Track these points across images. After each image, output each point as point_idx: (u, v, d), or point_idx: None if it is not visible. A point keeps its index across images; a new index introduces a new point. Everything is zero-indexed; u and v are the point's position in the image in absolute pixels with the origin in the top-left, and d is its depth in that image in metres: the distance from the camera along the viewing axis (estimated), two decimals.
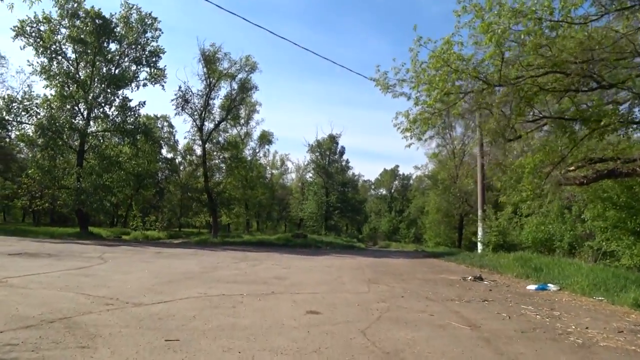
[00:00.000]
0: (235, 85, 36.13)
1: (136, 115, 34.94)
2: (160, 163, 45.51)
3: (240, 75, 36.09)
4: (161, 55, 35.04)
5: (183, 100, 34.78)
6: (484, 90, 10.62)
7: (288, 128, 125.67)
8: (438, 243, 41.33)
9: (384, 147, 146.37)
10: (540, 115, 11.52)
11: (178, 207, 48.94)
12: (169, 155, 48.97)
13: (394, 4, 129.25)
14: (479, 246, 23.74)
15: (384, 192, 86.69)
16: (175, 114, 35.57)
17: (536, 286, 11.90)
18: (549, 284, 12.04)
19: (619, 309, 9.29)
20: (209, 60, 34.56)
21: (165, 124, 50.08)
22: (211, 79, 35.13)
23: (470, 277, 13.49)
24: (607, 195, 15.71)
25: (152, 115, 49.94)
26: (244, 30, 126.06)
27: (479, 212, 24.50)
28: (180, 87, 34.95)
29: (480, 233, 23.89)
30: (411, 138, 11.87)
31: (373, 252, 28.93)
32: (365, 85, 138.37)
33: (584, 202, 19.25)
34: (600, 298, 10.25)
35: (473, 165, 38.53)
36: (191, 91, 35.18)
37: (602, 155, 14.62)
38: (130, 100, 34.59)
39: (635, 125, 11.36)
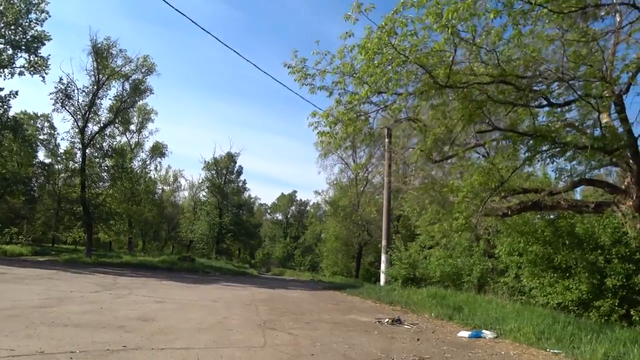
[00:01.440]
0: (127, 86, 31.78)
1: (5, 107, 29.24)
2: (34, 168, 39.29)
3: (135, 76, 31.91)
4: (45, 42, 29.80)
5: (64, 95, 29.78)
6: (426, 92, 8.32)
7: (187, 145, 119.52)
8: (335, 272, 39.02)
9: (283, 172, 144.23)
10: (492, 127, 9.45)
11: (53, 219, 42.50)
12: (47, 160, 42.64)
13: (307, 35, 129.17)
14: (382, 278, 21.60)
15: (280, 217, 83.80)
16: (53, 110, 30.25)
17: (469, 333, 9.62)
18: (483, 330, 9.83)
19: None
20: (101, 54, 30.05)
21: (46, 124, 43.84)
22: (101, 76, 30.52)
23: (387, 320, 10.94)
24: (527, 229, 14.23)
25: (32, 113, 43.84)
26: (150, 39, 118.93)
27: (383, 242, 22.41)
28: (61, 78, 29.87)
29: (383, 264, 21.79)
30: (329, 144, 9.29)
31: (268, 281, 25.83)
32: (270, 109, 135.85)
33: (493, 234, 17.93)
34: (555, 350, 8.11)
35: (377, 193, 37.00)
36: (75, 85, 30.27)
37: (526, 186, 13.18)
38: (1, 89, 28.96)
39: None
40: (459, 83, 8.45)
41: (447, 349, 8.03)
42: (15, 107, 58.45)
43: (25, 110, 43.26)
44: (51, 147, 43.01)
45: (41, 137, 43.14)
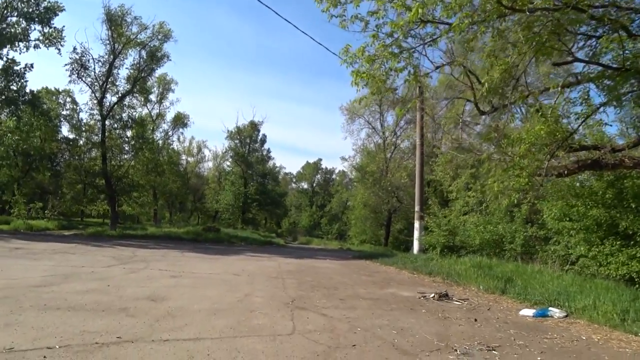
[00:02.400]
0: (144, 54, 30.20)
1: (22, 81, 28.07)
2: (59, 143, 38.47)
3: (152, 43, 30.23)
4: (58, 12, 28.42)
5: (79, 65, 28.43)
6: (487, 20, 6.55)
7: (209, 117, 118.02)
8: (363, 241, 37.44)
9: (307, 141, 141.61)
10: (572, 58, 7.64)
11: (81, 193, 41.81)
12: (71, 136, 41.77)
13: None
14: (416, 246, 20.08)
15: (306, 186, 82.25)
16: (70, 82, 28.91)
17: (534, 311, 8.01)
18: (550, 308, 8.22)
19: None
20: (115, 21, 28.50)
21: (68, 99, 42.75)
22: (116, 45, 29.03)
23: (432, 295, 9.41)
24: (584, 192, 12.44)
25: (53, 89, 42.74)
26: (167, 10, 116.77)
27: (416, 207, 20.85)
28: (75, 47, 28.44)
29: (417, 231, 20.23)
30: (365, 86, 7.61)
31: (295, 251, 24.56)
32: (291, 78, 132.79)
33: (537, 198, 16.07)
34: None
35: (405, 158, 35.12)
36: (90, 55, 28.86)
37: (583, 143, 11.34)
38: (17, 64, 27.79)
39: None
40: (526, 6, 6.66)
41: (515, 333, 6.49)
42: (35, 84, 57.40)
43: (47, 87, 42.21)
44: (74, 122, 42.13)
45: (64, 112, 42.28)
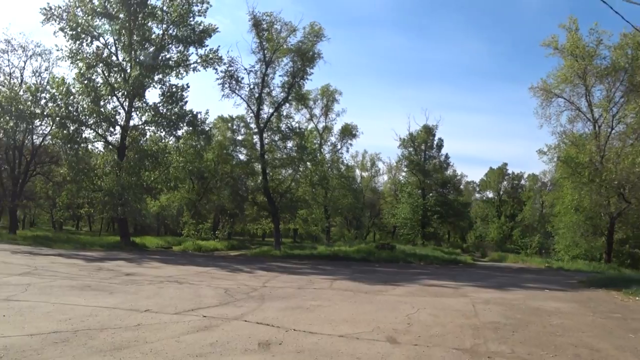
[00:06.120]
0: (296, 58, 26.63)
1: (182, 102, 26.59)
2: (232, 166, 37.45)
3: (304, 47, 26.61)
4: (212, 33, 26.72)
5: (229, 77, 26.01)
6: None
7: (381, 136, 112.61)
8: (575, 256, 28.08)
9: (485, 150, 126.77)
10: None
11: (247, 212, 40.23)
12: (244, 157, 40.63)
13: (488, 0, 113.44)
14: None
15: (491, 195, 71.40)
16: (223, 96, 26.65)
17: None
18: None
19: None
20: (263, 27, 25.62)
21: (241, 124, 41.93)
22: (266, 52, 26.07)
23: None
24: None
25: (227, 116, 42.31)
26: (335, 37, 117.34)
27: None
28: (221, 57, 25.90)
29: None
30: None
31: (489, 273, 17.72)
32: (461, 85, 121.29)
33: None
34: None
35: (628, 143, 24.83)
36: (240, 65, 26.30)
37: None
38: (180, 88, 26.54)
39: None
40: None
41: None
42: (197, 107, 57.79)
43: (221, 115, 41.95)
44: (245, 143, 40.98)
45: (239, 137, 41.47)
